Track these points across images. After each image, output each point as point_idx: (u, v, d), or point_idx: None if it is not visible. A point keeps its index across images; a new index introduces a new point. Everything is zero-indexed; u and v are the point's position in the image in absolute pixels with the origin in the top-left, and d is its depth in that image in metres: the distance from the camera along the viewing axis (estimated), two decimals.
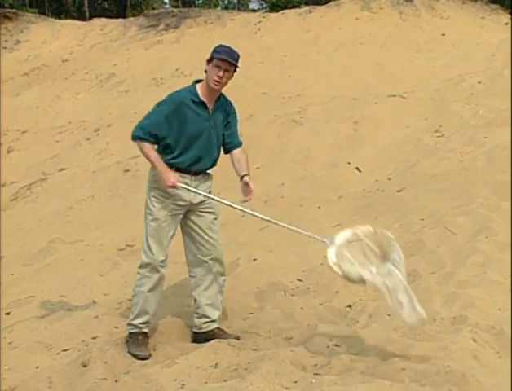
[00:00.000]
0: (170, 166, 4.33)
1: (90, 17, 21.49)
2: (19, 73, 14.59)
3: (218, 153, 4.51)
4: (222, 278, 4.58)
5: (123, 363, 4.17)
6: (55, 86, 13.72)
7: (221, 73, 4.26)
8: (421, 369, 3.51)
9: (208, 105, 4.37)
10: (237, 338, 4.45)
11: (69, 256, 7.00)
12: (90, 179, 9.21)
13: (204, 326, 4.52)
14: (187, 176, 4.36)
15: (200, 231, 4.47)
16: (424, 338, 3.98)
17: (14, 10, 17.98)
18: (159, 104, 4.38)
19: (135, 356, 4.27)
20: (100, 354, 4.18)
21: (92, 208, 8.42)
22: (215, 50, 4.32)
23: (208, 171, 4.51)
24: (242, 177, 4.40)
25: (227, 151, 4.57)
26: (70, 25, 17.39)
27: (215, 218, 4.51)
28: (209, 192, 4.46)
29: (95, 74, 13.98)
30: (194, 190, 4.33)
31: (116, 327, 4.71)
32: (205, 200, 4.43)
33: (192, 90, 4.38)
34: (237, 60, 4.33)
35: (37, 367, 4.25)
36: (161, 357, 4.27)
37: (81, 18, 22.32)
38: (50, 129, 11.66)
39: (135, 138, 4.35)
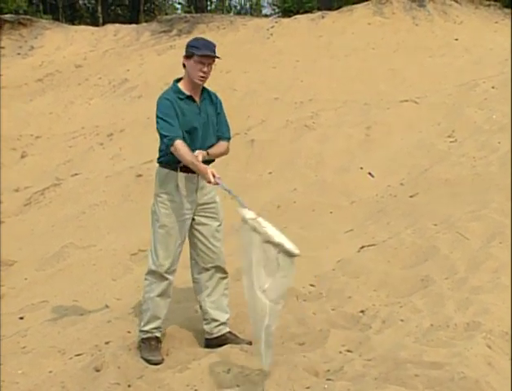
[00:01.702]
0: (177, 165, 4.29)
1: (104, 23, 21.58)
2: (33, 79, 14.67)
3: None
4: (225, 281, 4.54)
5: (136, 368, 4.17)
6: (68, 92, 13.78)
7: (205, 69, 4.29)
8: (435, 375, 3.49)
9: (195, 99, 4.38)
10: (250, 343, 4.42)
11: (82, 260, 7.02)
12: (102, 184, 9.24)
13: (215, 330, 4.51)
14: (194, 175, 4.32)
15: (203, 239, 4.44)
16: (437, 344, 3.96)
17: (28, 17, 18.07)
18: (159, 111, 4.27)
19: (148, 361, 4.28)
20: (113, 359, 4.19)
21: (105, 213, 8.45)
22: (193, 46, 4.30)
23: None
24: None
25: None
26: (84, 31, 17.46)
27: (219, 225, 4.48)
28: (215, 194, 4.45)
29: (108, 79, 14.03)
30: (230, 190, 4.14)
31: (129, 332, 4.72)
32: (209, 203, 4.41)
33: (174, 88, 4.38)
34: (215, 53, 4.34)
35: (50, 372, 4.27)
36: (173, 362, 4.27)
37: (95, 24, 22.42)
38: (63, 135, 11.71)
39: (168, 144, 4.19)
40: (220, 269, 4.50)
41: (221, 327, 4.51)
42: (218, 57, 4.32)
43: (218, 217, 4.47)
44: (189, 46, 4.33)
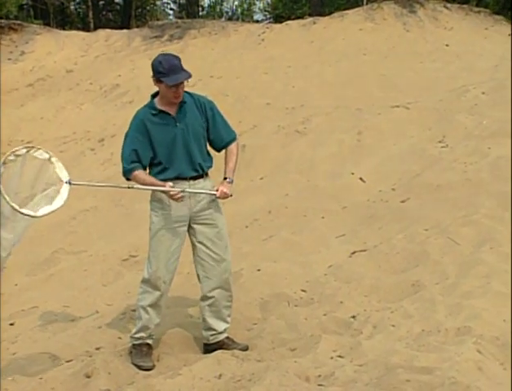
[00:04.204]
0: (165, 181, 4.30)
1: (95, 28, 21.54)
2: (23, 84, 14.65)
3: (203, 153, 4.39)
4: (228, 293, 4.48)
5: (127, 374, 4.15)
6: (59, 97, 13.76)
7: (179, 90, 4.21)
8: (426, 380, 3.49)
9: (170, 112, 4.30)
10: (246, 347, 4.43)
11: (73, 266, 6.99)
12: (93, 190, 9.21)
13: (211, 338, 4.49)
14: (184, 182, 4.31)
15: (201, 246, 4.39)
16: (428, 349, 3.96)
17: (19, 22, 18.04)
18: (126, 134, 4.36)
19: (139, 367, 4.26)
20: (104, 365, 4.17)
21: (95, 219, 8.43)
22: (160, 73, 4.15)
23: (206, 175, 4.42)
24: (224, 179, 4.41)
25: (220, 150, 4.50)
26: (75, 36, 17.46)
27: (218, 232, 4.41)
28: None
29: (100, 85, 14.03)
30: (197, 191, 4.29)
31: (120, 338, 4.71)
32: (204, 209, 4.37)
33: (149, 104, 4.35)
34: (188, 73, 4.19)
35: (40, 378, 4.24)
36: (164, 368, 4.26)
37: (86, 29, 22.38)
38: (54, 140, 11.69)
39: (125, 174, 4.32)
40: (222, 278, 4.41)
41: (217, 335, 4.50)
42: (188, 78, 4.19)
43: (216, 223, 4.41)
44: (156, 71, 4.18)
